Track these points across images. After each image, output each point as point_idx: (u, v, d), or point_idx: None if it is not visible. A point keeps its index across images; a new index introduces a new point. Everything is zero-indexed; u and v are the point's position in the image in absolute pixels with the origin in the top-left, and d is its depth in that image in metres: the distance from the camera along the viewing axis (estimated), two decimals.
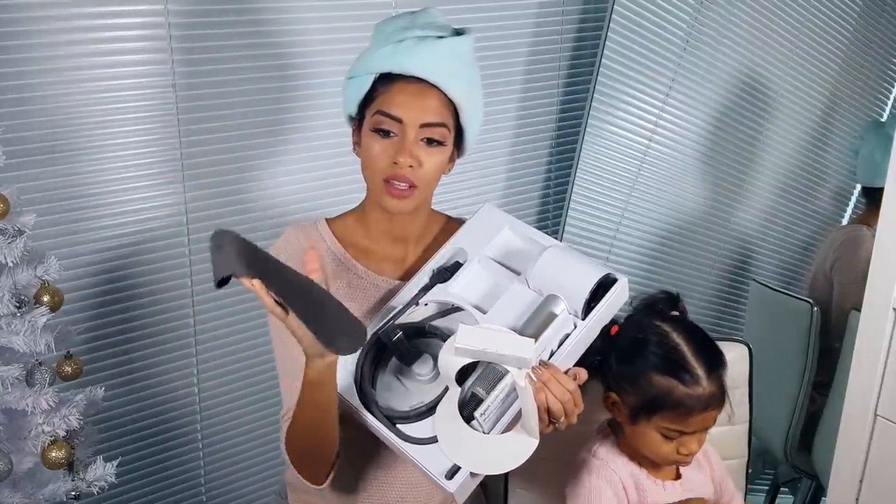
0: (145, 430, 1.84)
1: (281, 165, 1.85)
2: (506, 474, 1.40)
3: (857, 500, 1.54)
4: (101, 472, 1.43)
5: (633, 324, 1.18)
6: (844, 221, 2.92)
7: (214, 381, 1.91)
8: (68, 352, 1.44)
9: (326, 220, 1.27)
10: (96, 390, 1.47)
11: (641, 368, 1.13)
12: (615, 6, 2.09)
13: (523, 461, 1.01)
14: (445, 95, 1.13)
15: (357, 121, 1.19)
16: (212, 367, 1.89)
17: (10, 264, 1.31)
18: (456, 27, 1.18)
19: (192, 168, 1.73)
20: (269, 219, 1.84)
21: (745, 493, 1.45)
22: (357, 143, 1.20)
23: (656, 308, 1.20)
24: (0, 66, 1.49)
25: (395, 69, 1.12)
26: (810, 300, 2.12)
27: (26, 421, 1.35)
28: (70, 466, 1.40)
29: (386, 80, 1.13)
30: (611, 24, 2.10)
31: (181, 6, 1.63)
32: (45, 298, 1.36)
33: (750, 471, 1.48)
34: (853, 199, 2.92)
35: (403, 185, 1.13)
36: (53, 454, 1.35)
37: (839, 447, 1.57)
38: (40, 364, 1.36)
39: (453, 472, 1.02)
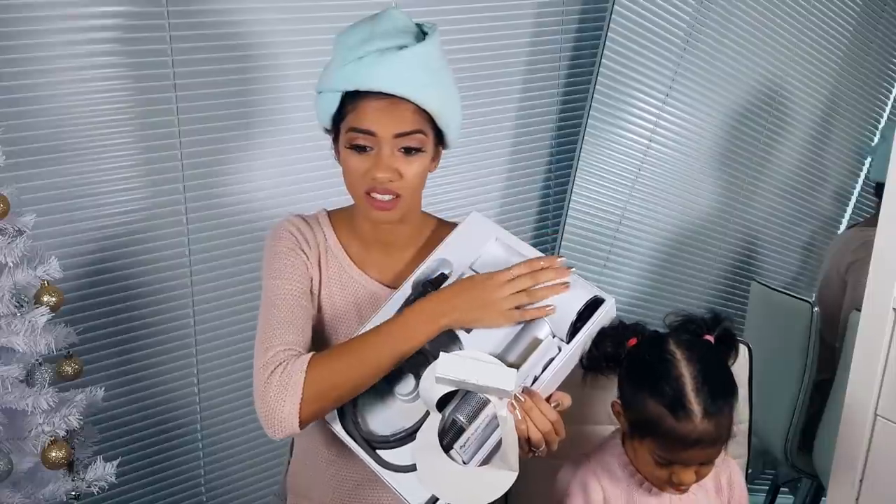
0: (145, 430, 1.84)
1: (283, 165, 1.85)
2: None
3: (857, 500, 1.54)
4: (101, 472, 1.42)
5: (650, 342, 1.12)
6: (844, 221, 2.92)
7: (214, 381, 1.91)
8: (68, 352, 1.44)
9: (327, 212, 1.27)
10: (96, 390, 1.46)
11: (640, 389, 1.09)
12: (615, 6, 2.09)
13: (501, 494, 0.99)
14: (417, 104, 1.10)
15: (333, 133, 1.16)
16: (212, 367, 1.89)
17: (10, 264, 1.31)
18: (420, 24, 1.14)
19: (191, 168, 1.73)
20: (271, 218, 1.84)
21: None
22: (337, 153, 1.17)
23: (689, 328, 1.14)
24: (0, 66, 1.49)
25: (361, 87, 1.08)
26: (810, 300, 2.11)
27: (26, 421, 1.35)
28: (70, 466, 1.39)
29: (353, 96, 1.09)
30: (611, 24, 2.10)
31: (181, 6, 1.63)
32: (45, 298, 1.36)
33: (750, 471, 1.48)
34: (853, 199, 2.92)
35: (386, 196, 1.11)
36: (53, 454, 1.35)
37: (839, 447, 1.57)
38: (40, 364, 1.36)
39: (431, 502, 1.01)
